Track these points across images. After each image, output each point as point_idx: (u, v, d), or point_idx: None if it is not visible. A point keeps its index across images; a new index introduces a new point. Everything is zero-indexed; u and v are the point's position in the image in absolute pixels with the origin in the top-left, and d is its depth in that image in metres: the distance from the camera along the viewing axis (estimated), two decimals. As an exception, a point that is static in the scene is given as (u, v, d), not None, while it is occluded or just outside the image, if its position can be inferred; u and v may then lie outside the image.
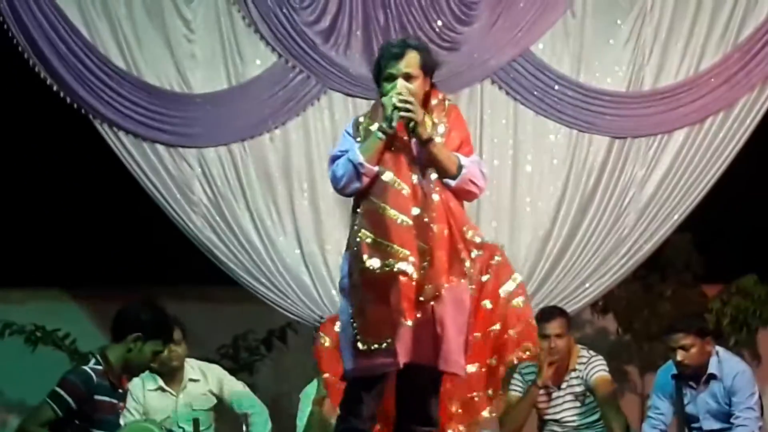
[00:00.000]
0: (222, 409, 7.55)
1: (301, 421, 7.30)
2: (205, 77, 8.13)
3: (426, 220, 5.57)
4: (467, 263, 5.68)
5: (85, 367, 6.47)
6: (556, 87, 7.96)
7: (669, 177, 7.97)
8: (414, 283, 5.56)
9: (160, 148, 8.13)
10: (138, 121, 8.10)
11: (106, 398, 6.46)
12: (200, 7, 8.13)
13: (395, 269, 5.51)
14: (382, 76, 5.66)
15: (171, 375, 7.39)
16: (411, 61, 5.62)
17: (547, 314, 7.70)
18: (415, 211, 5.57)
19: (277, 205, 8.11)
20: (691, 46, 7.94)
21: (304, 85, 8.10)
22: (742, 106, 7.90)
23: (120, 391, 6.60)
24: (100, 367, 6.45)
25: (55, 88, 8.07)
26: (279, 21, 8.06)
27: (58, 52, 8.06)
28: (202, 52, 8.15)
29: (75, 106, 8.08)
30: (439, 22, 7.94)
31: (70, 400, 6.33)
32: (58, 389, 6.37)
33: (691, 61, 7.94)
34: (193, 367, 7.50)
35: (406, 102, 5.53)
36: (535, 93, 7.98)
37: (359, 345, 5.55)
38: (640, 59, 7.96)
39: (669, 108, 7.94)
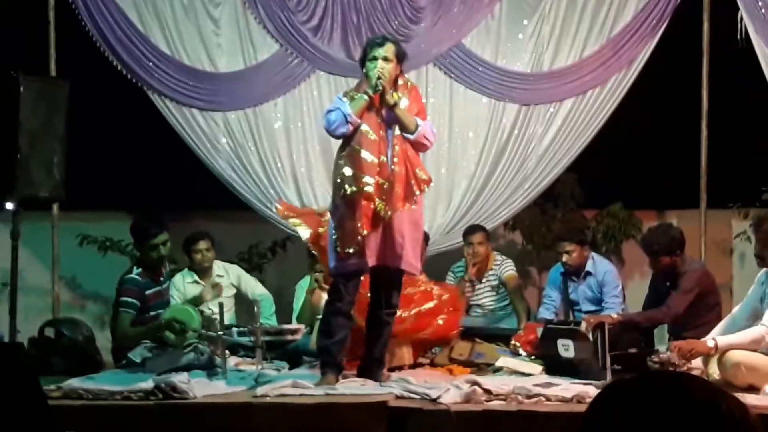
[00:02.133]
0: (240, 297, 7.84)
1: (297, 305, 7.60)
2: (227, 61, 8.31)
3: (389, 162, 5.89)
4: (417, 193, 5.95)
5: (131, 275, 6.89)
6: (480, 69, 8.17)
7: (560, 133, 8.16)
8: (373, 205, 5.81)
9: (195, 111, 8.33)
10: (179, 92, 8.29)
11: (153, 290, 6.91)
12: (224, 11, 8.29)
13: (363, 191, 5.80)
14: (367, 58, 6.01)
15: (203, 272, 7.75)
16: (388, 49, 5.99)
17: (472, 229, 8.00)
18: (381, 155, 5.87)
19: (278, 152, 8.30)
20: (577, 39, 8.10)
21: (299, 67, 8.28)
22: (613, 82, 8.10)
23: (161, 280, 6.95)
24: (140, 270, 6.90)
25: (119, 67, 8.31)
26: (281, 20, 8.24)
27: (121, 42, 8.25)
28: (225, 43, 8.31)
29: (134, 80, 8.33)
30: (396, 22, 8.15)
31: (134, 300, 6.77)
32: (123, 298, 6.72)
33: (577, 50, 8.12)
34: (219, 266, 7.83)
35: (381, 74, 5.90)
36: (465, 73, 8.16)
37: (337, 249, 5.92)
38: (540, 49, 8.11)
39: (561, 84, 8.11)
